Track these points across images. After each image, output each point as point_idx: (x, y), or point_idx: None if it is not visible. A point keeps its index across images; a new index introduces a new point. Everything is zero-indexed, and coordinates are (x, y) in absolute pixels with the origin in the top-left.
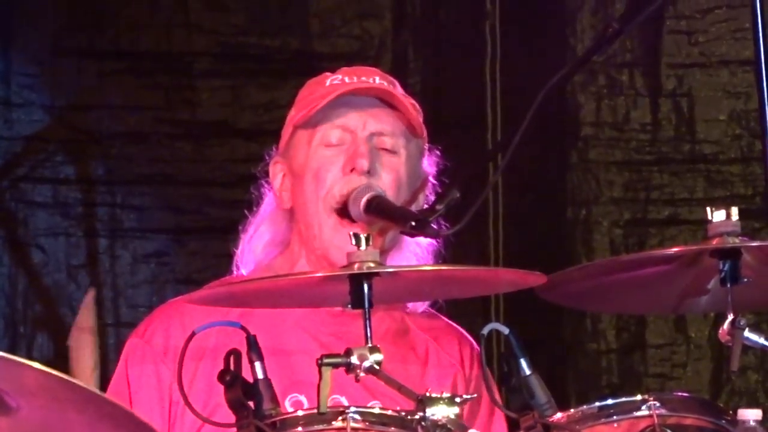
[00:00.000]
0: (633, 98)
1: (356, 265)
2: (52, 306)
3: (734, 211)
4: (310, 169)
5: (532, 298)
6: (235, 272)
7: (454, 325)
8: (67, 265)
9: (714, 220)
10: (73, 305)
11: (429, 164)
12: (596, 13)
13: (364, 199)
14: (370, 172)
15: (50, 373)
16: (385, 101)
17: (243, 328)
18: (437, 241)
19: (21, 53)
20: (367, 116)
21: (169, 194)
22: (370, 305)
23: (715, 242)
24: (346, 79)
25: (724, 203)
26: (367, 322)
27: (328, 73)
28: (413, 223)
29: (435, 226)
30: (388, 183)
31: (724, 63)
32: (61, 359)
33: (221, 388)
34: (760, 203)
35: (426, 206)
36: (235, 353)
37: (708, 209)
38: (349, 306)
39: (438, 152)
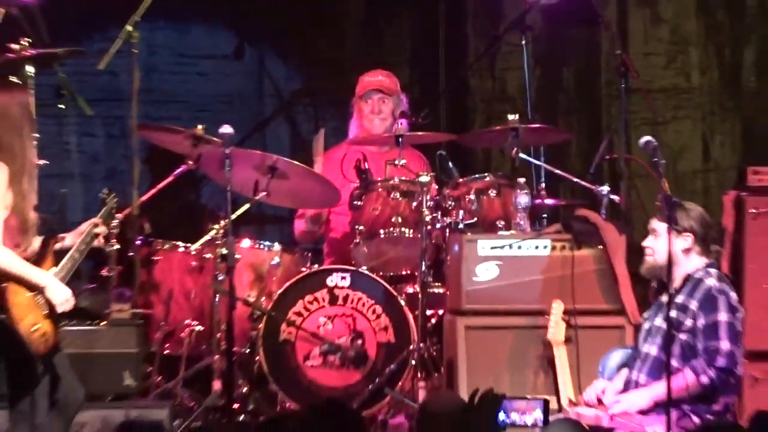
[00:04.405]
0: None
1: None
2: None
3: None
4: (361, 111)
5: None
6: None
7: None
8: None
9: None
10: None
11: (404, 99)
12: None
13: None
14: (379, 113)
15: (292, 162)
16: (384, 86)
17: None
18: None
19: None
20: (377, 93)
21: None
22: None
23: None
24: (371, 79)
25: None
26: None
27: (367, 72)
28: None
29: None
30: (387, 112)
31: None
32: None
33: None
34: None
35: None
36: (362, 158)
37: None
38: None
39: (406, 96)
